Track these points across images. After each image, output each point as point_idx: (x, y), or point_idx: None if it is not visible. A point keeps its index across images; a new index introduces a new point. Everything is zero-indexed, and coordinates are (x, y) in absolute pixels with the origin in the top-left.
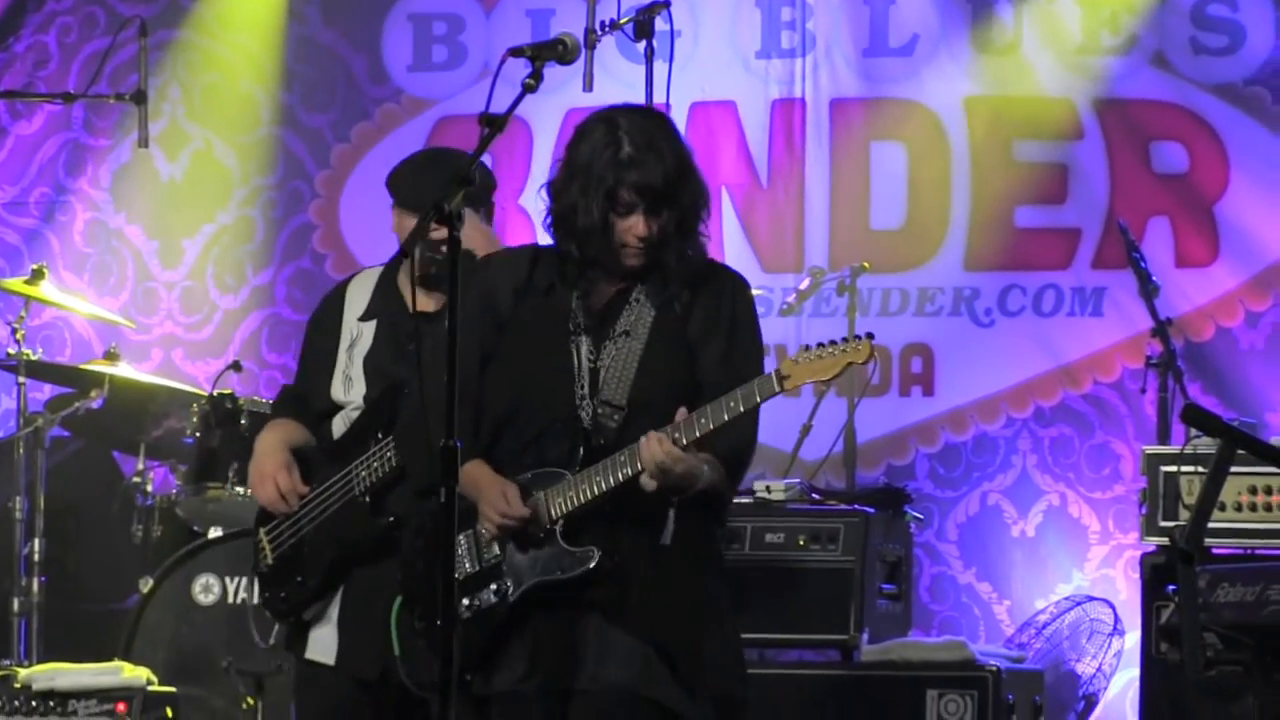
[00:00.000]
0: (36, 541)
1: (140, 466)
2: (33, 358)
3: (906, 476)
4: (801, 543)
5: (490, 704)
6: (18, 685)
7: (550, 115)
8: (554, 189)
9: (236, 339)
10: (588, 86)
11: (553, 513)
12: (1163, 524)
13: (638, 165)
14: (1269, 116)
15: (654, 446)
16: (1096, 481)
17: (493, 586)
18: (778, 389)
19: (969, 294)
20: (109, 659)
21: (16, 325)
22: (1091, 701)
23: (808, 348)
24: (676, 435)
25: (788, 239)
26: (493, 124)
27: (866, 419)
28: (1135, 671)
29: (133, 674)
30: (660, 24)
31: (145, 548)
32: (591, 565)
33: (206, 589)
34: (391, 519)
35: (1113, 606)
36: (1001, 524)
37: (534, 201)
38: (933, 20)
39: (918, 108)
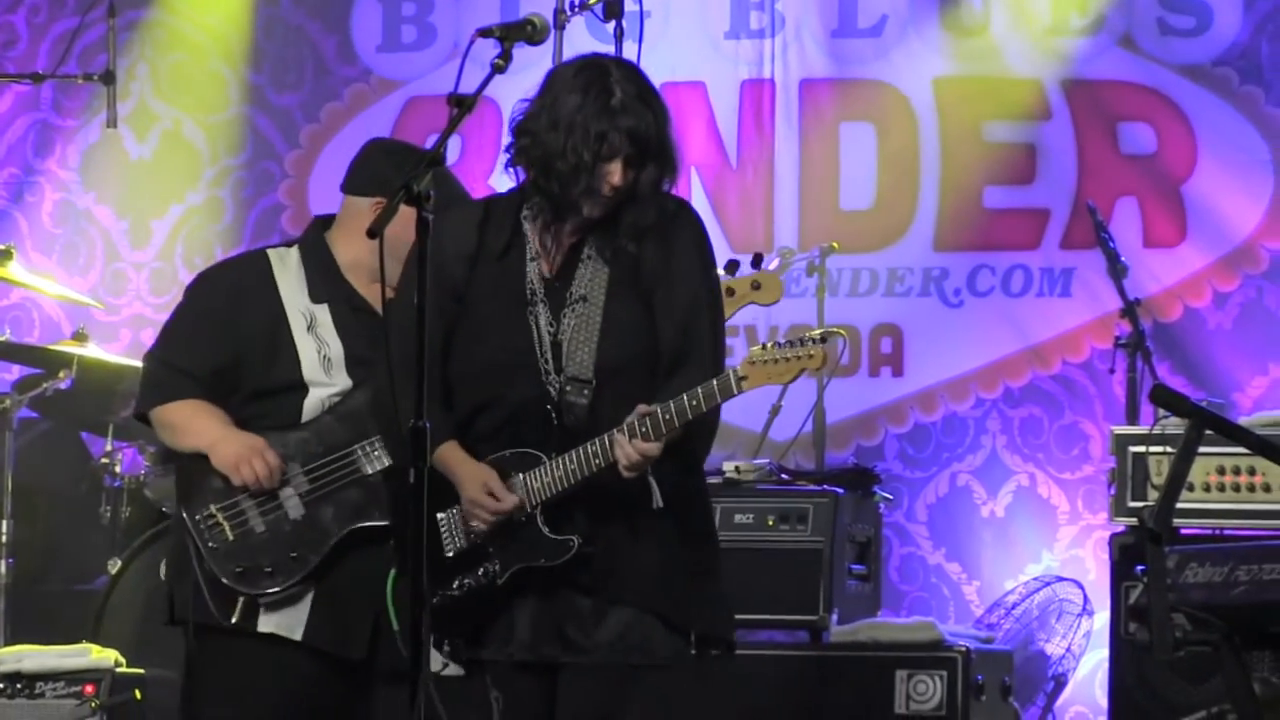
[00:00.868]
0: (4, 523)
1: (108, 447)
2: (0, 338)
3: (876, 457)
4: (771, 523)
5: (482, 671)
6: None
7: (519, 96)
8: (532, 130)
9: None
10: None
11: (532, 499)
12: (1131, 504)
13: (630, 112)
14: (1236, 97)
15: (628, 450)
16: (1066, 462)
17: (479, 570)
18: (735, 391)
19: (938, 274)
20: (77, 640)
21: None
22: (1061, 682)
23: (764, 347)
24: (644, 430)
25: (757, 219)
26: (462, 104)
27: (836, 399)
28: (1104, 652)
29: (101, 655)
30: (629, 4)
31: (114, 529)
32: (571, 555)
33: None
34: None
35: (1082, 587)
36: (971, 504)
37: (504, 183)
38: (902, 1)
39: (887, 88)
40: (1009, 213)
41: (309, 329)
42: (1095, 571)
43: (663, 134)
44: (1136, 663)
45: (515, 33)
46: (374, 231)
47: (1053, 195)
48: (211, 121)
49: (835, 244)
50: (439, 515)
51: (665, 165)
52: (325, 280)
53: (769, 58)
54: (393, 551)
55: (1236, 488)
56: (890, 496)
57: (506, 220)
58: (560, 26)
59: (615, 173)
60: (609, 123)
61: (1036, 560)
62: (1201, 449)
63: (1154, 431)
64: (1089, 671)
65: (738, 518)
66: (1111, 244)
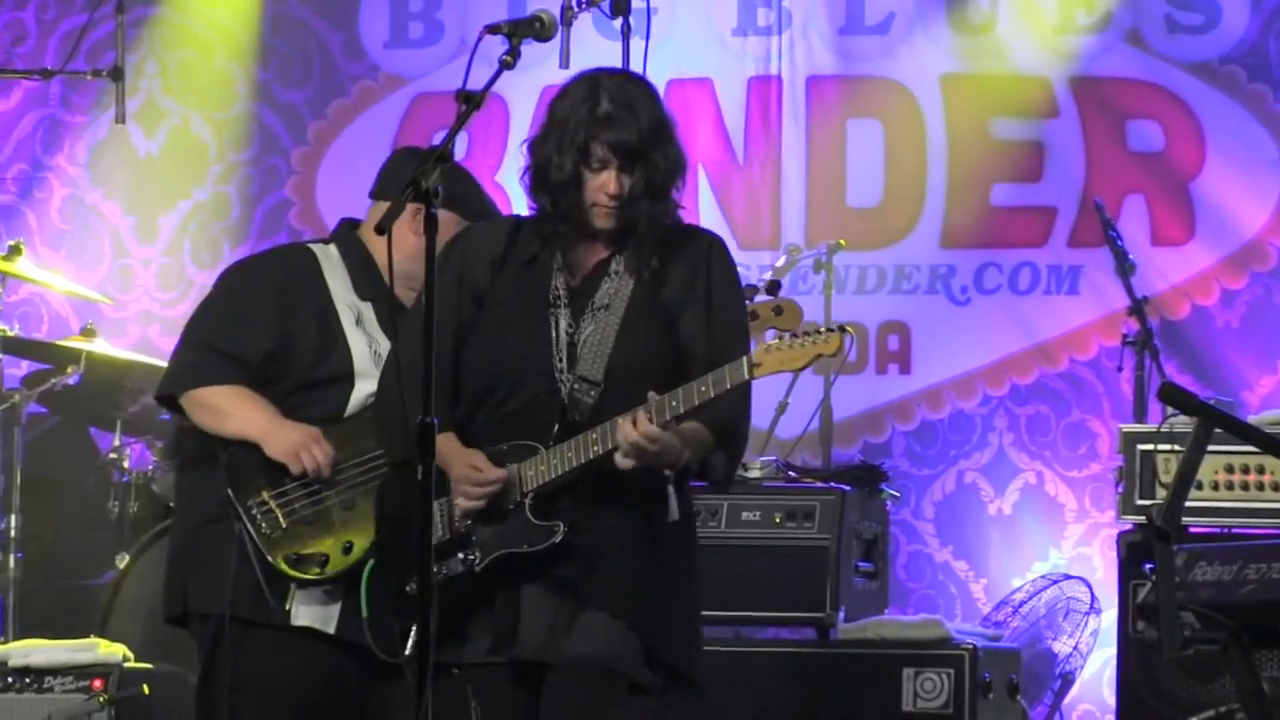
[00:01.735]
0: (13, 518)
1: (117, 443)
2: (9, 334)
3: (883, 454)
4: (777, 520)
5: (456, 673)
6: None
7: (526, 92)
8: (532, 144)
9: None
10: (564, 63)
11: (523, 486)
12: (1140, 502)
13: (613, 122)
14: (1244, 95)
15: (628, 427)
16: (1073, 460)
17: (460, 556)
18: (747, 375)
19: (945, 272)
20: (85, 635)
21: None
22: (1068, 680)
23: (780, 336)
24: (649, 414)
25: (764, 216)
26: (470, 101)
27: (843, 397)
28: (1112, 650)
29: (109, 650)
30: (637, 1)
31: (122, 524)
32: (557, 539)
33: None
34: None
35: (1089, 585)
36: (978, 502)
37: (511, 178)
38: None
39: (894, 86)
40: (1016, 210)
41: (358, 323)
42: (1102, 569)
43: (652, 139)
44: (1144, 661)
45: (523, 29)
46: (382, 228)
47: (1060, 193)
48: (219, 118)
49: (842, 241)
50: None
51: (657, 170)
52: (367, 278)
53: (776, 55)
54: (374, 542)
55: (1245, 486)
56: (897, 494)
57: (536, 234)
58: (568, 23)
59: (609, 183)
60: (592, 134)
61: (1044, 558)
62: (1210, 447)
63: (1162, 430)
64: (1096, 670)
65: (744, 515)
66: (1119, 242)
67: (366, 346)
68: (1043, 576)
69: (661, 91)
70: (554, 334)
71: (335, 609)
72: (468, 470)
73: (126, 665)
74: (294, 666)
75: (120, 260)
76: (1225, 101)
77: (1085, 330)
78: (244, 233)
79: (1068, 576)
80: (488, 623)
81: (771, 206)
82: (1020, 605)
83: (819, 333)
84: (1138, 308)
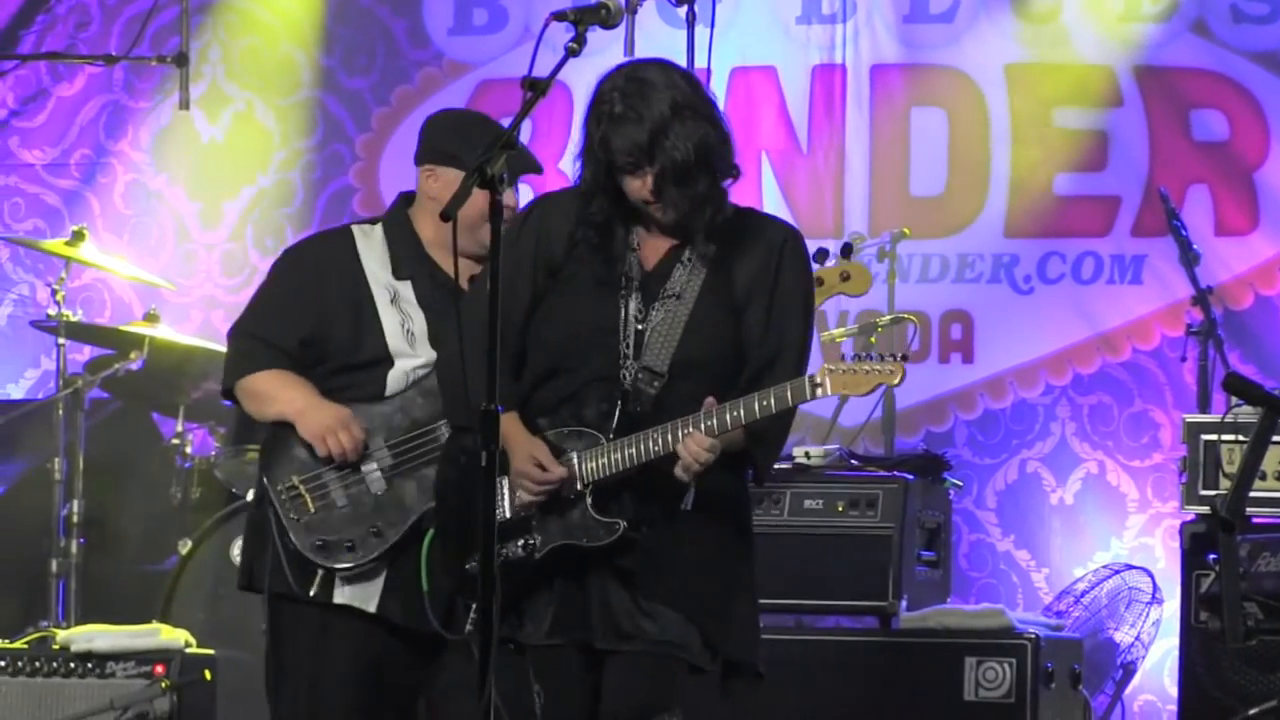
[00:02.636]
0: (75, 503)
1: (179, 428)
2: (72, 319)
3: (945, 443)
4: (840, 509)
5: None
6: (56, 646)
7: (590, 80)
8: (578, 158)
9: None
10: (629, 51)
11: (584, 477)
12: (1203, 493)
13: (623, 123)
14: None
15: (694, 448)
16: (1135, 450)
17: (520, 542)
18: (809, 396)
19: (1008, 261)
20: (147, 621)
21: (57, 287)
22: (1130, 670)
23: (844, 358)
24: (710, 424)
25: (827, 204)
26: (536, 88)
27: (906, 386)
28: (1173, 640)
29: (171, 636)
30: None
31: (184, 509)
32: (615, 538)
33: None
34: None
35: (1151, 575)
36: (1040, 492)
37: (573, 166)
38: None
39: (958, 74)
40: (1080, 199)
41: (392, 302)
42: (1164, 560)
43: (669, 126)
44: (1206, 651)
45: (589, 16)
46: (447, 215)
47: (1124, 182)
48: (283, 104)
49: (906, 229)
50: None
51: (674, 155)
52: (408, 256)
53: (840, 43)
54: (434, 512)
55: None
56: (960, 483)
57: (616, 211)
58: (633, 10)
59: (639, 188)
60: (609, 142)
61: (1105, 548)
62: (1275, 438)
63: (1226, 420)
64: (1158, 660)
65: (807, 503)
66: (1183, 231)
67: (399, 325)
68: (1105, 566)
69: (726, 80)
70: (623, 317)
71: (377, 589)
72: (529, 466)
73: (188, 651)
74: (337, 642)
75: (183, 245)
76: None
77: (1148, 320)
78: (307, 219)
79: (1130, 566)
80: (548, 605)
81: (835, 195)
82: (1082, 595)
83: (884, 360)
84: (1202, 298)
